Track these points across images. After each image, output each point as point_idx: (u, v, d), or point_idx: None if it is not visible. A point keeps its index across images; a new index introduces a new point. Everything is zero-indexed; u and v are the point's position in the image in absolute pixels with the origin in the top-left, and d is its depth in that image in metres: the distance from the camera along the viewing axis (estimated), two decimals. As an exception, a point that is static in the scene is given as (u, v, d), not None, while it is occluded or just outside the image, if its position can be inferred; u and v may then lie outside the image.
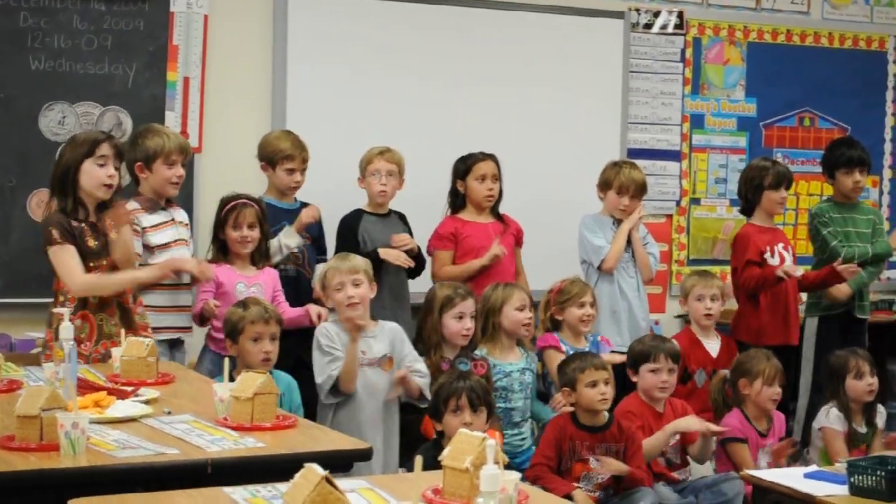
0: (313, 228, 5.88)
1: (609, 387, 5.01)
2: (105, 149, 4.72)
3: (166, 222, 5.31)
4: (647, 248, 6.37)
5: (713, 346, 6.12)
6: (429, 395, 5.00)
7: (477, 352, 5.39)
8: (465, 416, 4.64)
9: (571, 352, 5.54)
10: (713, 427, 5.24)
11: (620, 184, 6.24)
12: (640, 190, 6.29)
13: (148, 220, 5.23)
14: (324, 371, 4.98)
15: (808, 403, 6.42)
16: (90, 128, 6.04)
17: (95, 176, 4.69)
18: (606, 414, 5.04)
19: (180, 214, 5.47)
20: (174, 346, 5.35)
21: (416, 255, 5.92)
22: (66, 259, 4.64)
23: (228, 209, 5.42)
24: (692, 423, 5.25)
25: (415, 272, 5.99)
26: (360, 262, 5.15)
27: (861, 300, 6.59)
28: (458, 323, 5.29)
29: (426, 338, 5.32)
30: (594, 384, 4.96)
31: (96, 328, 4.68)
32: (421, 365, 5.15)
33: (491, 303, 5.52)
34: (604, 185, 6.32)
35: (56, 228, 4.64)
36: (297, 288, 5.69)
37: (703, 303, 6.11)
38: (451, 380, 4.78)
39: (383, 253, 5.75)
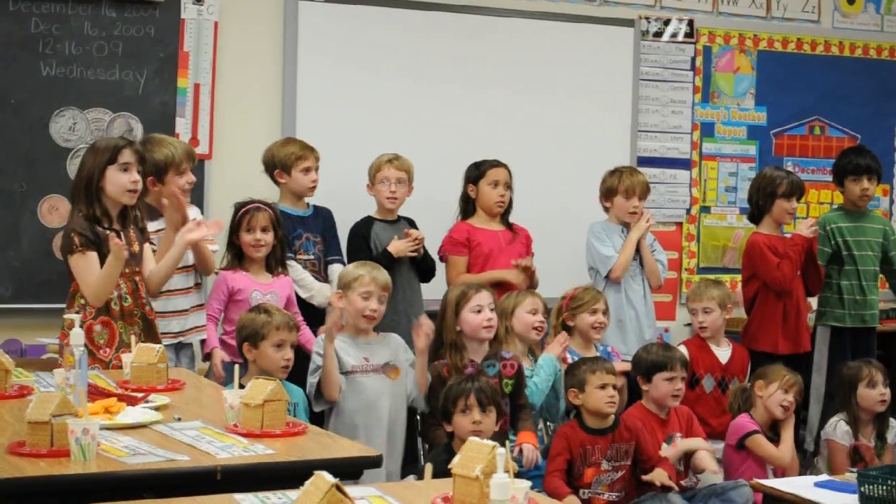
0: (326, 230, 5.89)
1: (617, 391, 5.04)
2: (127, 155, 4.76)
3: (164, 229, 5.31)
4: (655, 255, 6.37)
5: (724, 353, 6.13)
6: (422, 406, 5.10)
7: (505, 352, 5.31)
8: (473, 415, 4.64)
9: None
10: (713, 465, 5.26)
11: (626, 187, 6.25)
12: (645, 191, 6.33)
13: (149, 227, 5.23)
14: (307, 379, 5.06)
15: (821, 412, 6.42)
16: (101, 134, 6.07)
17: (120, 183, 4.73)
18: (613, 416, 5.07)
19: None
20: (180, 349, 5.36)
21: (423, 259, 5.93)
22: (85, 268, 4.67)
23: (242, 213, 5.44)
24: (705, 457, 5.26)
25: (426, 275, 5.99)
26: (388, 278, 5.20)
27: (871, 308, 6.58)
28: (478, 315, 5.18)
29: (444, 339, 5.26)
30: (603, 387, 4.99)
31: (117, 335, 4.69)
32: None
33: (503, 307, 5.51)
34: (608, 193, 6.32)
35: (78, 235, 4.66)
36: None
37: (696, 316, 6.18)
38: (459, 381, 4.80)
39: (393, 248, 5.79)
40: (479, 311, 5.20)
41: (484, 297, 5.23)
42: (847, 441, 5.48)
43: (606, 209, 6.37)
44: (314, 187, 5.85)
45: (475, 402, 4.67)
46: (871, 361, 5.70)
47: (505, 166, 6.14)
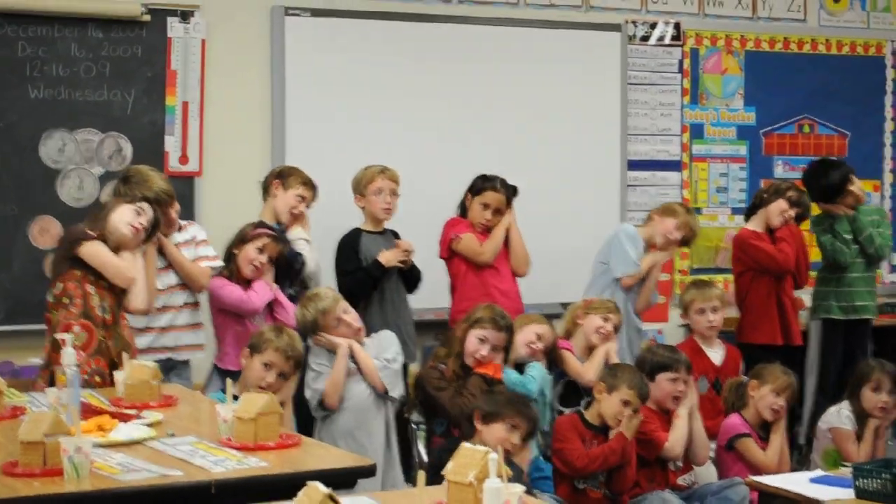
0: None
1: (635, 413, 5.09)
2: (145, 206, 4.87)
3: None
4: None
5: (717, 354, 6.14)
6: (389, 389, 5.17)
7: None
8: (514, 437, 4.68)
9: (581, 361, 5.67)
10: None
11: (684, 221, 6.24)
12: (691, 236, 6.32)
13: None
14: (309, 386, 5.15)
15: (813, 407, 6.43)
16: (90, 155, 6.13)
17: (126, 215, 4.78)
18: None
19: (177, 237, 5.49)
20: (171, 368, 5.34)
21: (409, 270, 5.93)
22: (105, 252, 4.71)
23: (260, 233, 5.46)
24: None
25: (412, 285, 6.00)
26: (330, 291, 5.33)
27: (867, 300, 6.60)
28: (478, 344, 5.20)
29: (451, 342, 5.30)
30: (626, 403, 5.02)
31: (95, 341, 4.68)
32: (392, 357, 5.24)
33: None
34: (666, 212, 6.29)
35: (85, 226, 4.72)
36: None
37: (705, 316, 6.14)
38: (523, 399, 4.84)
39: (384, 258, 5.79)
40: (481, 342, 5.21)
41: (497, 337, 5.22)
42: (851, 427, 5.49)
43: (648, 221, 6.35)
44: (294, 215, 5.77)
45: (525, 431, 4.71)
46: (885, 365, 5.67)
47: (507, 191, 6.10)
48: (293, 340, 4.88)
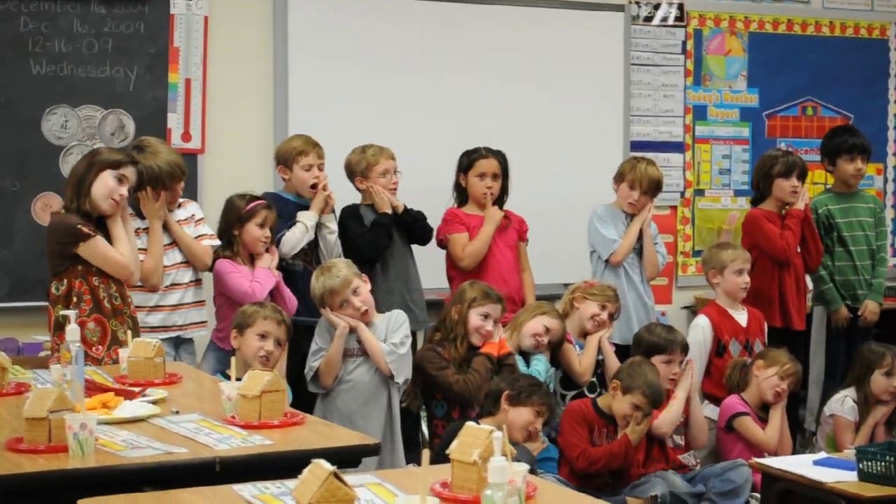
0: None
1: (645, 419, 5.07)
2: (129, 171, 4.80)
3: (144, 228, 5.28)
4: (657, 247, 6.34)
5: (741, 316, 6.04)
6: (395, 374, 5.10)
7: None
8: (538, 423, 4.74)
9: (577, 346, 5.64)
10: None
11: (633, 178, 6.20)
12: (652, 187, 6.23)
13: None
14: (308, 361, 5.18)
15: (822, 393, 6.42)
16: (93, 132, 6.11)
17: (109, 186, 4.72)
18: None
19: (179, 213, 5.46)
20: (180, 344, 5.35)
21: (410, 220, 5.88)
22: (105, 249, 4.71)
23: (254, 208, 5.44)
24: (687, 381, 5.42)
25: (419, 235, 5.93)
26: (346, 268, 5.22)
27: (864, 288, 6.59)
28: (482, 321, 5.24)
29: (449, 327, 5.29)
30: (637, 408, 5.00)
31: (110, 333, 4.70)
32: (399, 341, 5.17)
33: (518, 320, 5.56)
34: (618, 178, 6.28)
35: (82, 224, 4.66)
36: (305, 282, 5.66)
37: (743, 276, 5.99)
38: (546, 388, 4.91)
39: (381, 204, 5.75)
40: (484, 318, 5.24)
41: (496, 310, 5.29)
42: (853, 417, 5.50)
43: (615, 191, 6.33)
44: (315, 185, 5.78)
45: (545, 415, 4.75)
46: (893, 349, 5.67)
47: (496, 155, 6.08)
48: (274, 306, 4.95)
